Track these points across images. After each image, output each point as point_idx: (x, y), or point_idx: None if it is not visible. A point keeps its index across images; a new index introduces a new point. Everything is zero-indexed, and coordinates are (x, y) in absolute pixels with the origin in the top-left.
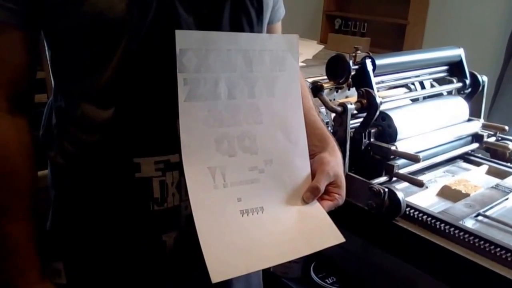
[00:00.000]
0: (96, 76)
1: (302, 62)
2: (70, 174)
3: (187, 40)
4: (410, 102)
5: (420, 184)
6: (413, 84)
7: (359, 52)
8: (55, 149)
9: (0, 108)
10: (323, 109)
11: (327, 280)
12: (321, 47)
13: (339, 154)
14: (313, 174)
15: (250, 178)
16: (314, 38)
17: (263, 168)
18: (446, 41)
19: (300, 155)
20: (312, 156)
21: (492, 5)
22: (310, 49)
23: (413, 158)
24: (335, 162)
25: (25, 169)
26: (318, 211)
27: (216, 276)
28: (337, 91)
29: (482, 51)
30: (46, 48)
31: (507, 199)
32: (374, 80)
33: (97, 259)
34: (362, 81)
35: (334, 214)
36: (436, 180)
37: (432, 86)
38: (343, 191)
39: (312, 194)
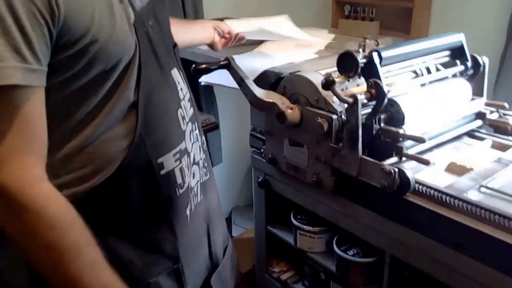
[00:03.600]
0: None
1: (315, 53)
2: (106, 198)
3: None
4: (419, 85)
5: (426, 163)
6: (420, 69)
7: (367, 40)
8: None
9: (43, 177)
10: (336, 99)
11: (348, 252)
12: (332, 36)
13: None
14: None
15: None
16: (325, 24)
17: None
18: (452, 22)
19: None
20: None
21: None
22: (322, 38)
23: (419, 139)
24: None
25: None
26: None
27: None
28: (348, 80)
29: (486, 30)
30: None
31: (507, 170)
32: (381, 70)
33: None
34: (370, 73)
35: (353, 191)
36: (444, 156)
37: (438, 70)
38: None
39: None
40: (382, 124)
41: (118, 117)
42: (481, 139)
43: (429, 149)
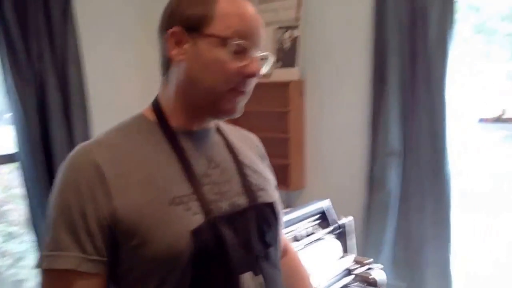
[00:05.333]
0: None
1: None
2: None
3: None
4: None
5: None
6: (298, 234)
7: None
8: None
9: None
10: None
11: None
12: None
13: None
14: None
15: None
16: None
17: None
18: (324, 176)
19: None
20: None
21: (355, 144)
22: None
23: None
24: None
25: None
26: None
27: None
28: None
29: (351, 188)
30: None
31: None
32: None
33: None
34: None
35: None
36: None
37: (313, 233)
38: None
39: None
40: None
41: None
42: None
43: None
